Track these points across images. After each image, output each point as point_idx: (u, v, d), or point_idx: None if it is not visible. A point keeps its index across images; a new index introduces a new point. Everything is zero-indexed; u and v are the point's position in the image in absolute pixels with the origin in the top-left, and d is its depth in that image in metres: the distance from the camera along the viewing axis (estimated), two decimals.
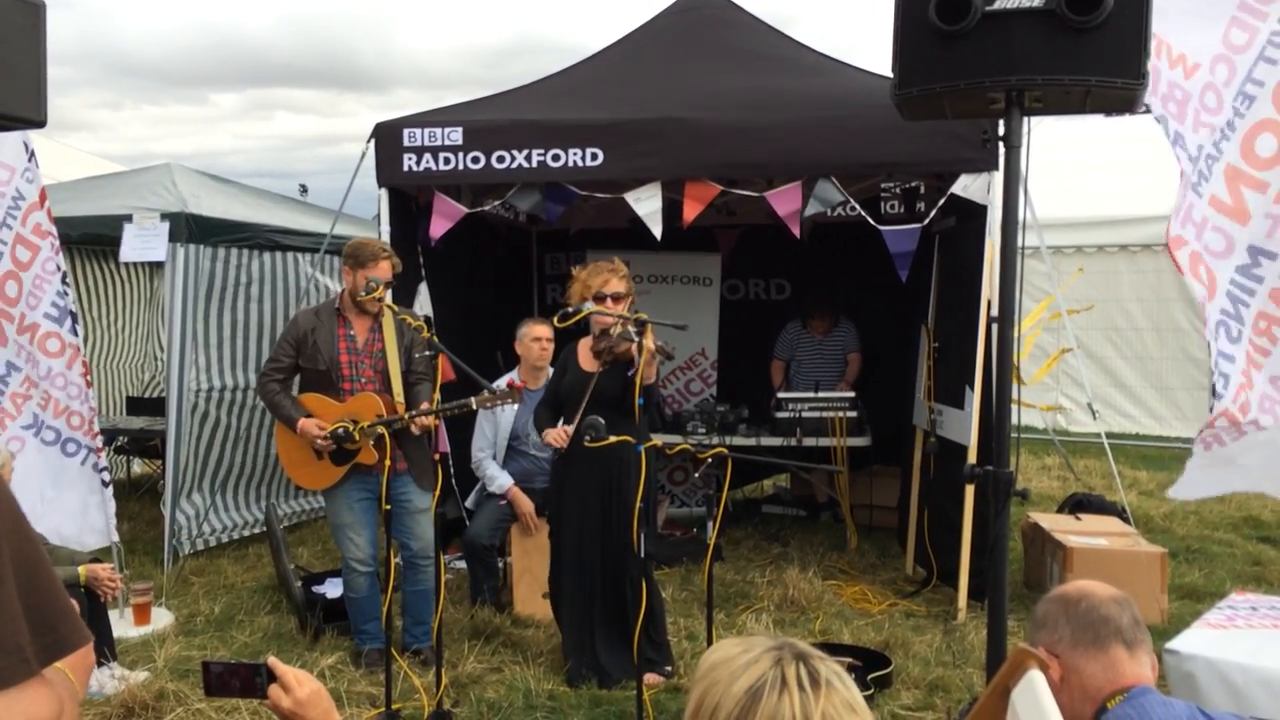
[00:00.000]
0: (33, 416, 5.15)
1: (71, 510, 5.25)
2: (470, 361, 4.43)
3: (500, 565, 5.69)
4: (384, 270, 4.66)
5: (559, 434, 4.52)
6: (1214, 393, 4.18)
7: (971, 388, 5.28)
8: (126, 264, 8.97)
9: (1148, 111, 4.01)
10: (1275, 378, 4.10)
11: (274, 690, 1.77)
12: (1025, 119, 3.07)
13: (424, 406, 4.57)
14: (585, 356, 4.62)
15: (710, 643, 4.14)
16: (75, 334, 5.21)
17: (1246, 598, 3.52)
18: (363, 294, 4.64)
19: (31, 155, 5.05)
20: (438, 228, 5.77)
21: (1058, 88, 2.88)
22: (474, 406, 4.54)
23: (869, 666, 4.44)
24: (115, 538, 5.41)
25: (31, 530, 1.15)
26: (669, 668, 4.62)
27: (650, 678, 4.39)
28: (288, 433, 4.74)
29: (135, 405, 8.65)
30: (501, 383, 5.58)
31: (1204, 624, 3.22)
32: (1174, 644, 3.05)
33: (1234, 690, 2.84)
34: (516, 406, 5.45)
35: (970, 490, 5.11)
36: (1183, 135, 4.25)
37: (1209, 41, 4.15)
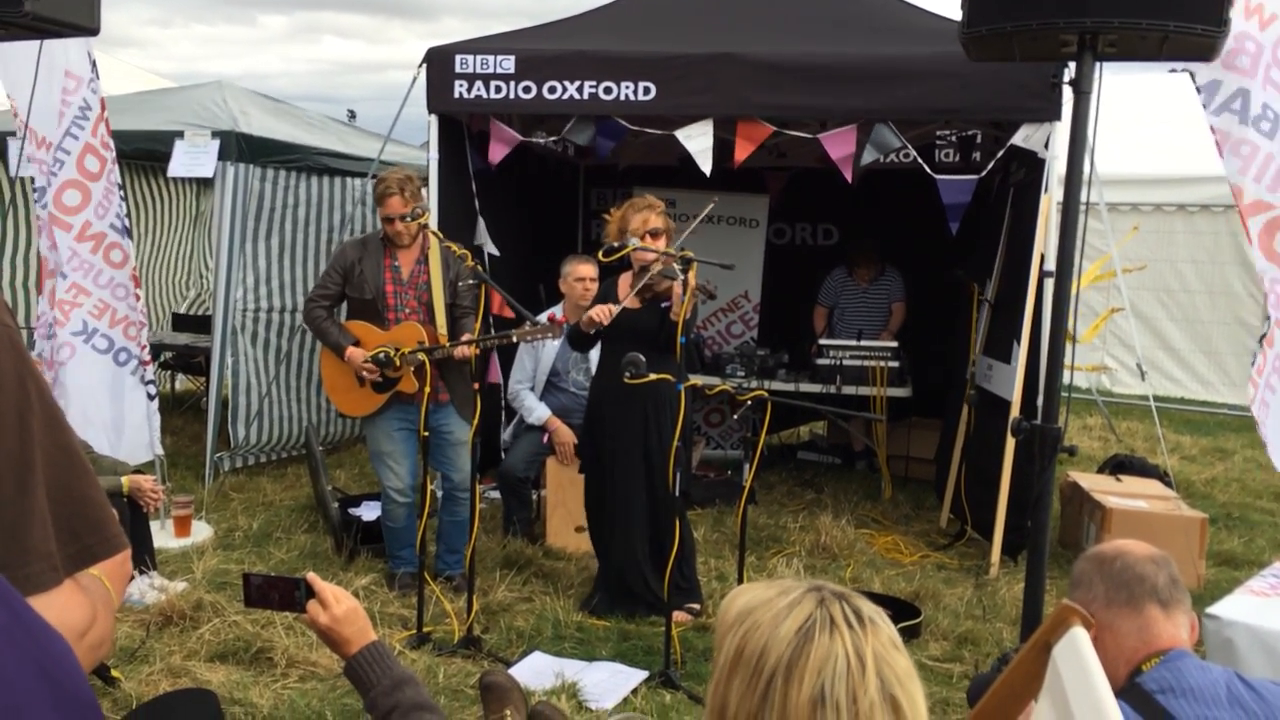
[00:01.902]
0: (82, 323, 5.20)
1: (118, 421, 5.33)
2: (516, 296, 4.42)
3: (534, 497, 5.73)
4: (393, 206, 4.64)
5: (603, 308, 4.43)
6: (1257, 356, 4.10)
7: (1019, 342, 5.19)
8: (175, 180, 9.02)
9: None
10: None
11: (312, 605, 1.79)
12: (1097, 65, 2.96)
13: (465, 337, 4.57)
14: (625, 290, 4.58)
15: (741, 584, 4.16)
16: (130, 246, 5.27)
17: None
18: (406, 220, 4.62)
19: (94, 66, 5.06)
20: (496, 154, 5.73)
21: (1134, 32, 2.77)
22: (514, 339, 4.53)
23: (898, 616, 4.44)
24: (159, 450, 5.50)
25: (70, 435, 1.14)
26: (697, 606, 4.64)
27: (679, 615, 4.42)
28: (332, 359, 4.77)
29: (180, 322, 8.75)
30: (544, 318, 5.57)
31: (1246, 590, 3.17)
32: (1215, 609, 3.01)
33: (1275, 657, 2.80)
34: (558, 342, 5.44)
35: (1010, 445, 5.06)
36: (1249, 91, 4.10)
37: None
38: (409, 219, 4.63)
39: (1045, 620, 1.72)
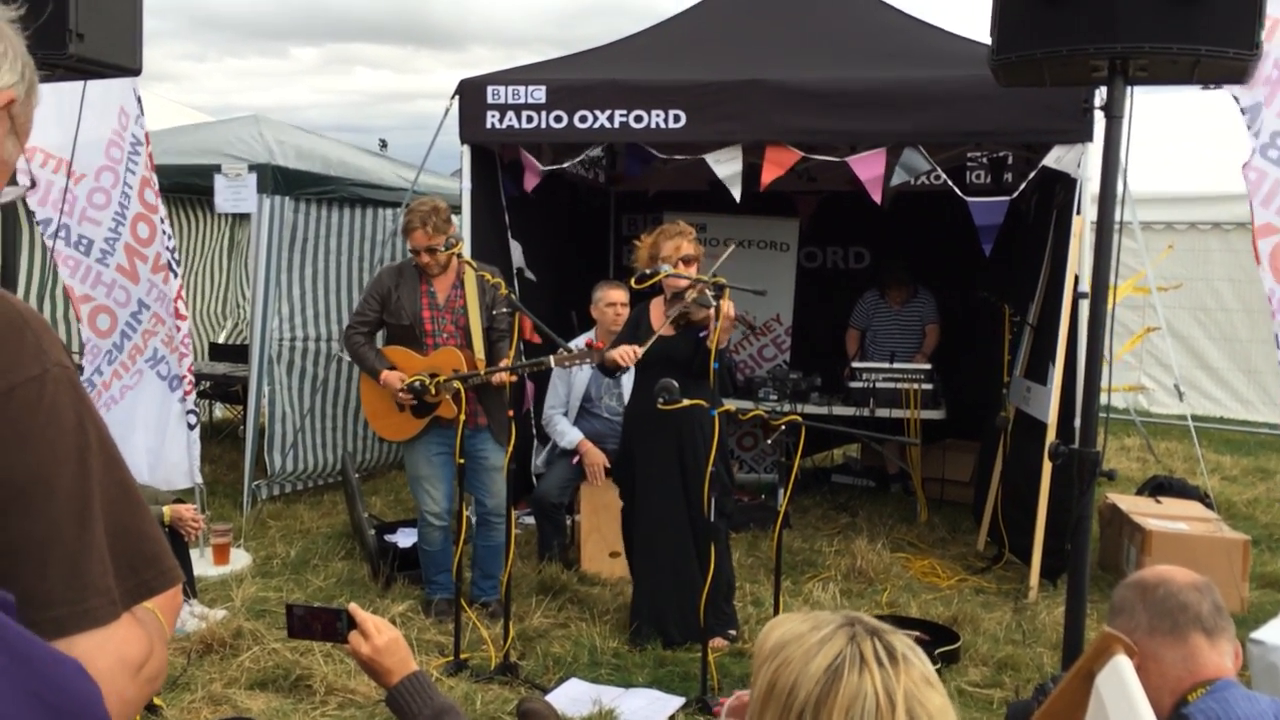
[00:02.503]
0: (154, 351, 5.37)
1: (160, 448, 5.43)
2: (549, 321, 4.45)
3: (568, 523, 5.74)
4: (417, 240, 4.70)
5: (628, 350, 4.47)
6: None
7: (1054, 364, 5.16)
8: (211, 212, 9.17)
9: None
10: None
11: (354, 636, 1.81)
12: (1128, 89, 2.96)
13: (502, 364, 4.61)
14: (658, 317, 4.60)
15: (777, 609, 4.14)
16: (176, 275, 5.41)
17: None
18: (441, 252, 4.68)
19: (139, 102, 5.20)
20: (530, 182, 5.81)
21: (1165, 56, 2.77)
22: (551, 365, 4.56)
23: (937, 641, 4.41)
24: (199, 479, 5.57)
25: (126, 472, 1.17)
26: (734, 632, 4.63)
27: (715, 641, 4.41)
28: (371, 384, 4.82)
29: (217, 351, 8.87)
30: (579, 342, 5.60)
31: None
32: (1259, 634, 2.97)
33: None
34: (590, 369, 5.47)
35: (1047, 467, 5.02)
36: (1264, 121, 4.09)
37: None
38: (442, 250, 4.68)
39: (1088, 648, 1.71)
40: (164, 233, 5.33)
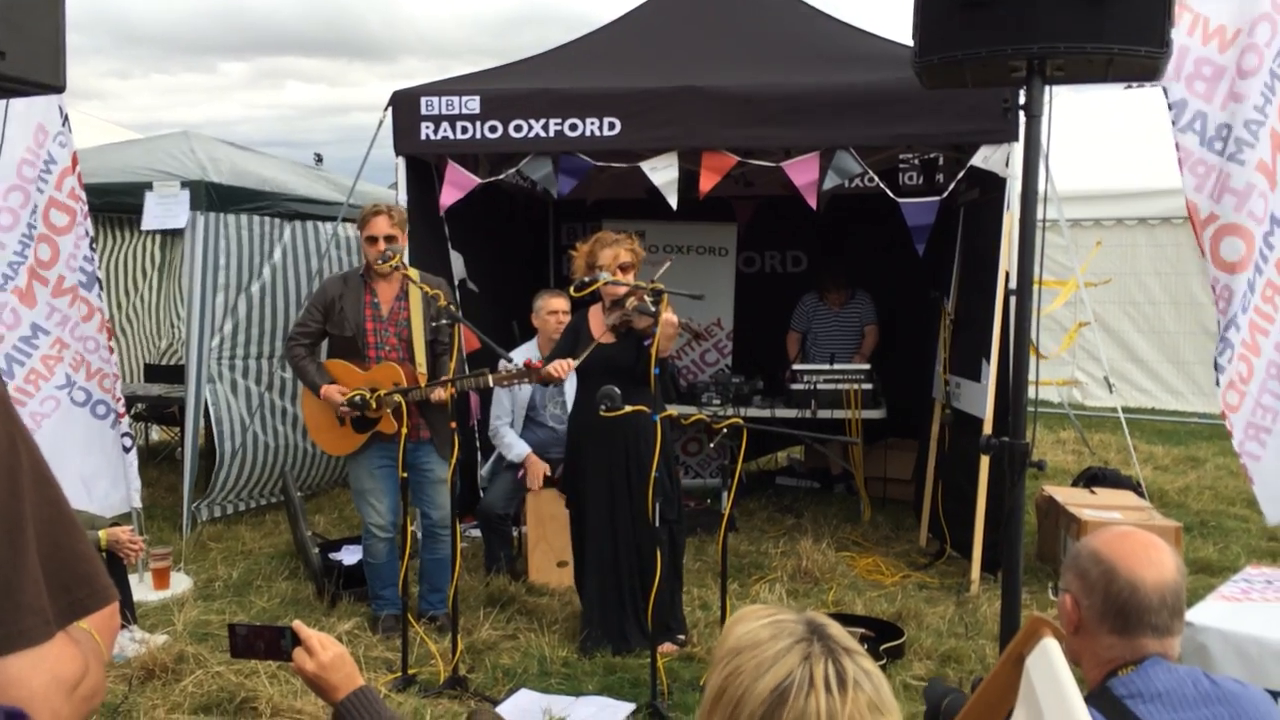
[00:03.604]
0: (65, 378, 5.20)
1: (95, 474, 5.30)
2: (491, 331, 4.45)
3: (515, 534, 5.73)
4: (379, 226, 4.69)
5: (561, 364, 4.46)
6: (1216, 366, 4.20)
7: (988, 360, 5.26)
8: (143, 231, 9.01)
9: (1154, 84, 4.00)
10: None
11: (298, 653, 1.79)
12: (1046, 88, 3.04)
13: (442, 379, 4.59)
14: (597, 324, 4.62)
15: (724, 612, 4.17)
16: (100, 298, 5.26)
17: (1262, 571, 3.52)
18: (379, 263, 4.67)
19: (65, 120, 5.07)
20: (448, 197, 5.78)
21: (1080, 56, 2.85)
22: (490, 384, 4.56)
23: (882, 637, 4.47)
24: (137, 503, 5.47)
25: (58, 490, 1.16)
26: (683, 636, 4.65)
27: (665, 646, 4.43)
28: (313, 398, 4.78)
29: (153, 372, 8.71)
30: (519, 356, 5.60)
31: (1218, 596, 3.22)
32: (1190, 615, 3.04)
33: (1248, 662, 2.84)
34: None
35: (985, 463, 5.11)
36: (1206, 114, 4.22)
37: (1255, 3, 4.11)
38: (381, 261, 4.66)
39: (1018, 633, 1.76)
40: (82, 255, 5.15)
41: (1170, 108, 4.31)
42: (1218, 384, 4.40)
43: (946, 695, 2.21)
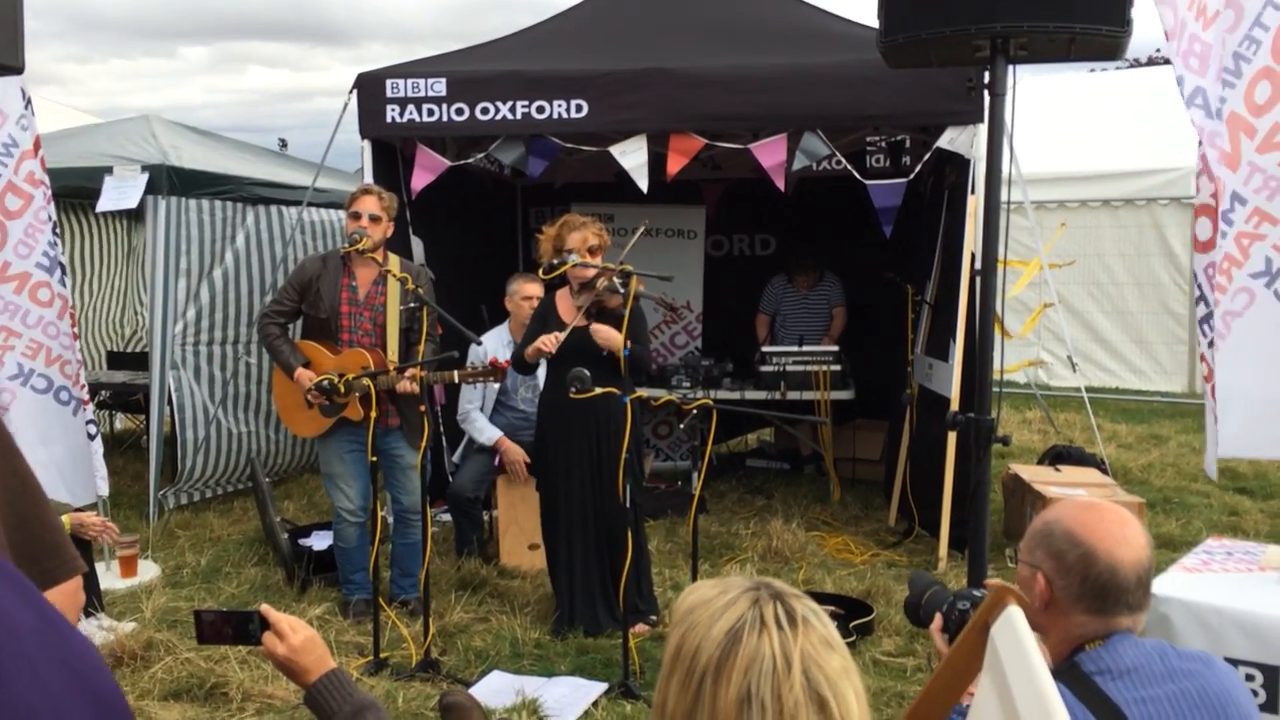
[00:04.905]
0: (18, 366, 5.09)
1: (61, 462, 5.23)
2: (456, 316, 4.44)
3: (486, 518, 5.73)
4: (366, 204, 4.66)
5: (548, 338, 4.46)
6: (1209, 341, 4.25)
7: (955, 340, 5.31)
8: (105, 216, 8.89)
9: (1129, 62, 4.01)
10: (1229, 313, 4.16)
11: (268, 637, 1.78)
12: (1010, 68, 3.07)
13: (409, 372, 4.54)
14: (565, 308, 4.62)
15: None
16: (64, 284, 5.18)
17: (1222, 543, 3.57)
18: (345, 244, 4.65)
19: (28, 103, 4.97)
20: (419, 180, 5.74)
21: (1042, 34, 2.88)
22: (456, 380, 4.54)
23: (851, 615, 4.51)
24: (103, 491, 5.40)
25: (23, 461, 1.16)
26: (654, 617, 4.68)
27: (636, 627, 4.45)
28: (284, 378, 4.75)
29: (116, 359, 8.61)
30: (489, 340, 5.58)
31: (1180, 568, 3.27)
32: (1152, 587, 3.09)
33: (1210, 631, 2.89)
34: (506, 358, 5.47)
35: (952, 441, 5.17)
36: (1204, 90, 4.23)
37: None
38: (347, 244, 4.63)
39: (983, 602, 1.78)
40: (46, 241, 5.04)
41: (1180, 80, 4.28)
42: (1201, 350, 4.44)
43: (930, 587, 2.23)
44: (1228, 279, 4.09)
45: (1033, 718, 1.42)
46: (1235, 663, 2.75)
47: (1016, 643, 1.63)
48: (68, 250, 8.86)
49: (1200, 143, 4.11)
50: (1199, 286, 4.18)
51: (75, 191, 6.73)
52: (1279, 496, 6.67)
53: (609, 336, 4.43)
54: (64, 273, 5.19)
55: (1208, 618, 2.93)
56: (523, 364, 4.70)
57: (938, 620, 2.13)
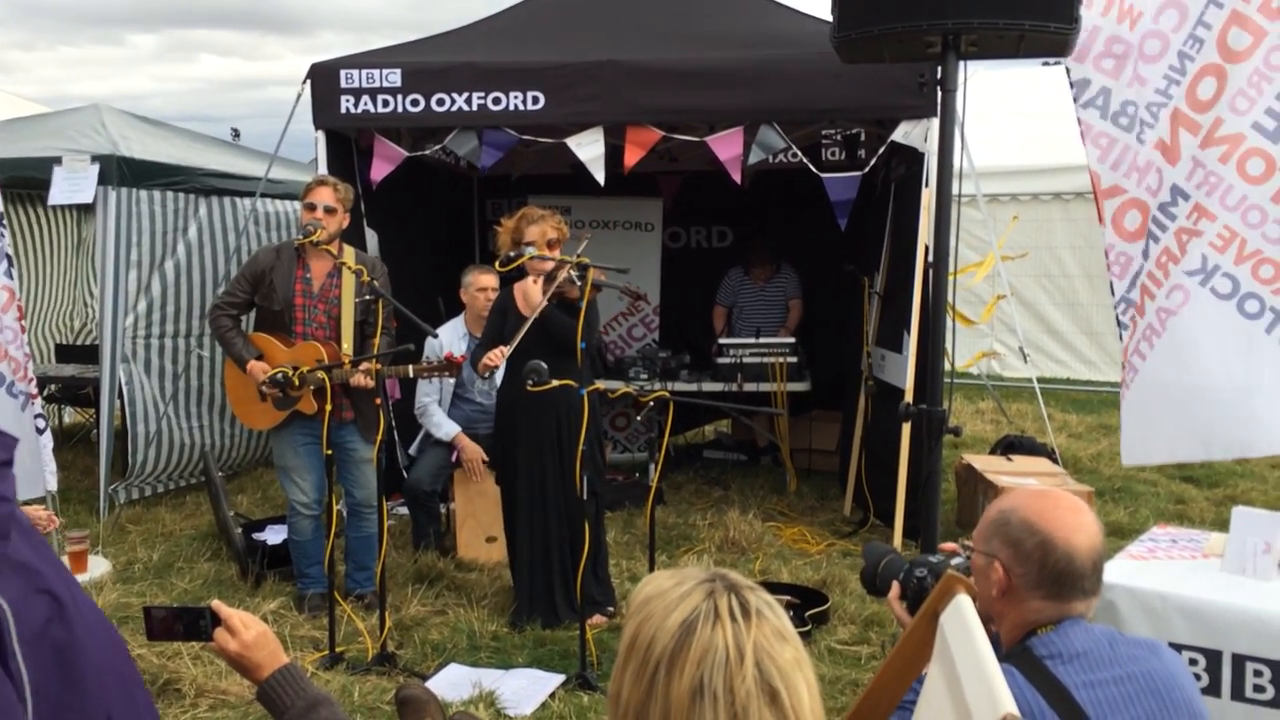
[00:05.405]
0: None
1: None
2: (411, 308, 4.41)
3: (443, 511, 5.71)
4: (321, 195, 4.62)
5: (495, 352, 4.47)
6: (1120, 324, 4.40)
7: (909, 331, 5.37)
8: (54, 208, 8.73)
9: (1058, 63, 4.14)
10: (1163, 309, 4.28)
11: (220, 633, 1.76)
12: (961, 63, 3.11)
13: (364, 366, 4.51)
14: (523, 301, 4.61)
15: None
16: (10, 278, 5.08)
17: (1167, 531, 3.65)
18: (299, 236, 4.61)
19: None
20: (379, 171, 5.70)
21: (992, 31, 2.93)
22: (410, 375, 4.52)
23: (807, 604, 4.56)
24: (52, 486, 5.32)
25: None
26: (611, 608, 4.69)
27: (594, 618, 4.46)
28: (237, 371, 4.70)
29: (65, 353, 8.46)
30: (445, 333, 5.56)
31: (1126, 555, 3.34)
32: None
33: (1153, 616, 2.95)
34: (462, 348, 5.45)
35: (906, 432, 5.23)
36: (1110, 90, 4.36)
37: None
38: (301, 235, 4.59)
39: (933, 591, 1.81)
40: None
41: (1071, 85, 4.46)
42: (1121, 339, 4.60)
43: (885, 555, 2.26)
44: (1164, 274, 4.19)
45: (980, 704, 1.45)
46: (1179, 647, 2.81)
47: (964, 630, 1.66)
48: (16, 242, 8.69)
49: (1084, 139, 4.26)
50: (1123, 270, 4.31)
51: (23, 182, 6.60)
52: (1225, 485, 6.82)
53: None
54: (10, 265, 5.11)
55: (1152, 603, 2.99)
56: (479, 372, 4.70)
57: (895, 589, 2.16)
